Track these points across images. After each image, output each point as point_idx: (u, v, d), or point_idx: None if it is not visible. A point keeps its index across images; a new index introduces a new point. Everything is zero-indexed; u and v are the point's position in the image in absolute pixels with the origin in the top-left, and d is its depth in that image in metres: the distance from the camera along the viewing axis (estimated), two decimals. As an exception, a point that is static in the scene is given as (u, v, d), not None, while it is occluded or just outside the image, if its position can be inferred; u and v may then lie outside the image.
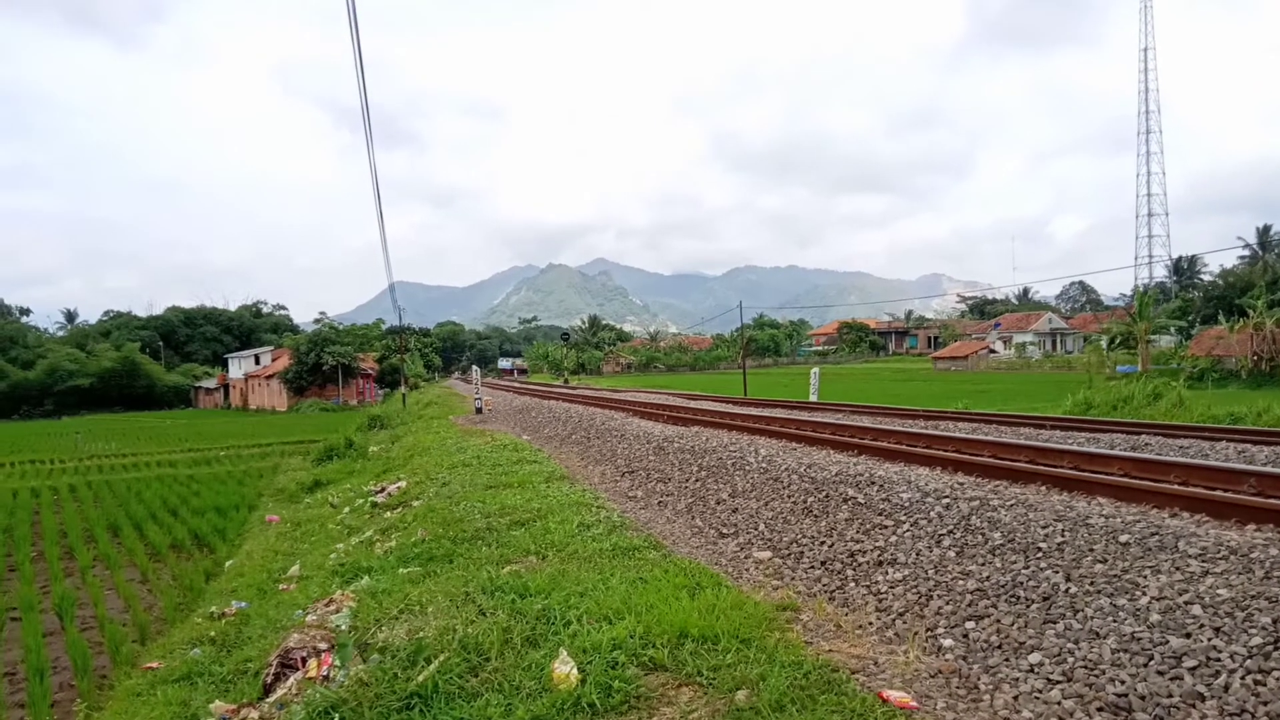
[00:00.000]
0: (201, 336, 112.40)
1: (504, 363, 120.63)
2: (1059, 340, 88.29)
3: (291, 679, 5.81)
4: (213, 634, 8.91)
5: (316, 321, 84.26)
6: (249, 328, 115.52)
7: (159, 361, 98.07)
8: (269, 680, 5.99)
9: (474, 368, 38.39)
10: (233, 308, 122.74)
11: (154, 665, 8.39)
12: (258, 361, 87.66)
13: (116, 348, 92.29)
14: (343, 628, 6.53)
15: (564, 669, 5.06)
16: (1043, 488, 7.59)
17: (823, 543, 7.64)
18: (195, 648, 8.46)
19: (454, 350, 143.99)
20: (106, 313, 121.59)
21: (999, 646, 5.08)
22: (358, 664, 5.68)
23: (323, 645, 6.13)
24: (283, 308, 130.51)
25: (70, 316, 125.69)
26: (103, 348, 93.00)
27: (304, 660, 5.96)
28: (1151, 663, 4.37)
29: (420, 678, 5.25)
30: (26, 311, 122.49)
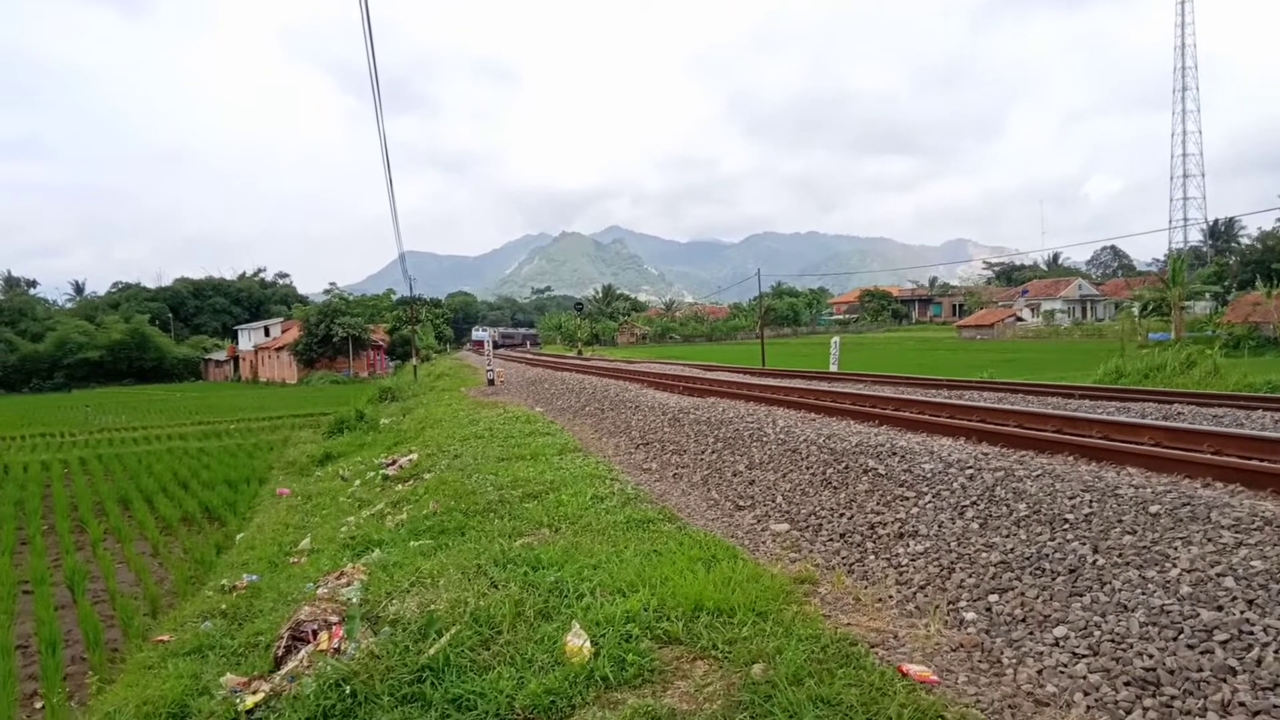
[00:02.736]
0: (211, 308, 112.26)
1: (479, 332, 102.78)
2: (1089, 307, 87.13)
3: (302, 652, 5.77)
4: (224, 607, 8.89)
5: (326, 292, 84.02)
6: (258, 299, 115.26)
7: (168, 333, 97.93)
8: (280, 653, 5.95)
9: (486, 338, 38.22)
10: (234, 277, 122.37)
11: (165, 638, 8.38)
12: (267, 333, 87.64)
13: (125, 320, 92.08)
14: (354, 601, 6.49)
15: (577, 642, 5.02)
16: (1070, 458, 7.44)
17: (842, 515, 7.56)
18: (206, 621, 8.44)
19: (466, 321, 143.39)
20: (115, 284, 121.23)
21: (1023, 620, 5.01)
22: (368, 637, 5.63)
23: (334, 618, 6.08)
24: (285, 275, 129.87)
25: (78, 288, 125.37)
26: (111, 320, 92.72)
27: (315, 633, 5.92)
28: (1181, 636, 4.29)
29: (431, 650, 5.20)
30: (34, 284, 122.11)
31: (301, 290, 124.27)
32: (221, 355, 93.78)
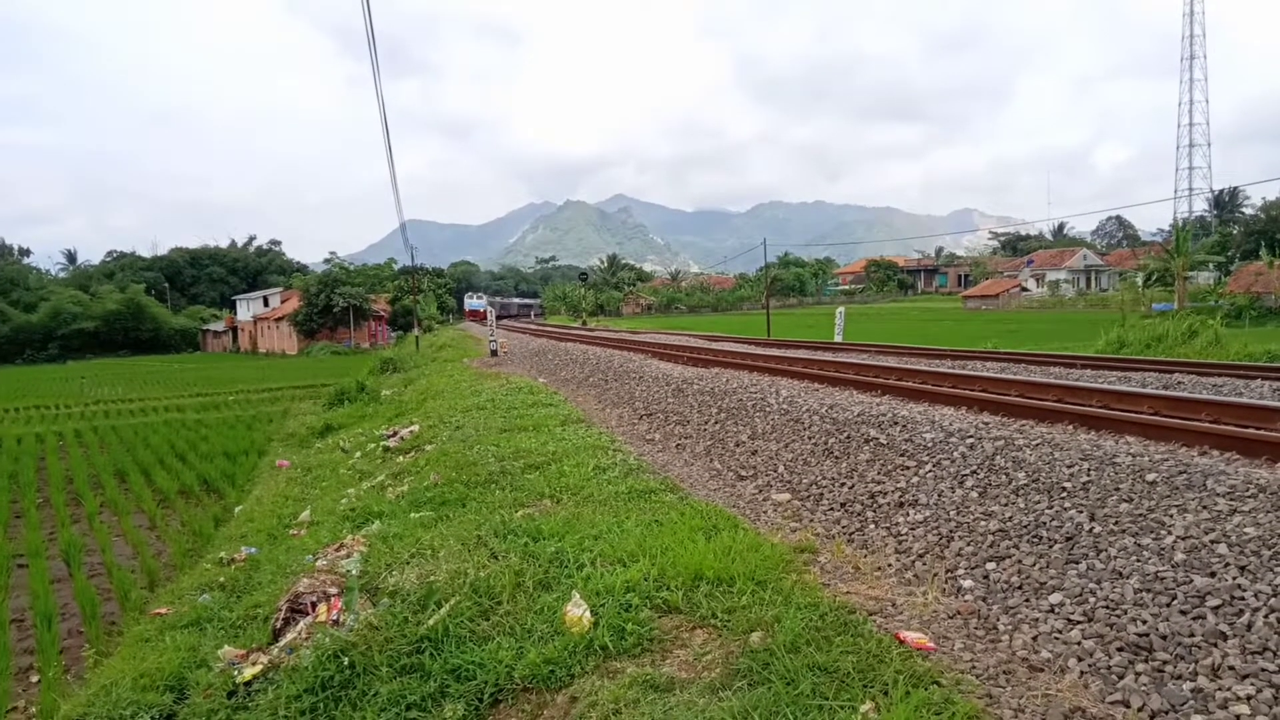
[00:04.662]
0: (208, 278, 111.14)
1: (472, 301, 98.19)
2: (1094, 277, 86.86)
3: (301, 623, 5.80)
4: (222, 580, 8.90)
5: (327, 261, 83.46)
6: (255, 269, 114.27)
7: (165, 303, 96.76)
8: (278, 625, 5.99)
9: (489, 309, 37.94)
10: (227, 245, 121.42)
11: (163, 611, 8.36)
12: (266, 303, 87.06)
13: (120, 289, 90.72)
14: (353, 572, 6.52)
15: (577, 612, 5.04)
16: (1070, 427, 7.45)
17: (843, 484, 7.58)
18: (204, 593, 8.46)
19: (470, 291, 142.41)
20: (110, 253, 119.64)
21: (1019, 587, 5.03)
22: (367, 608, 5.66)
23: (333, 590, 6.11)
24: (277, 243, 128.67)
25: (71, 257, 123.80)
26: (106, 290, 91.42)
27: (314, 605, 5.95)
28: (1174, 602, 4.31)
29: (431, 621, 5.23)
30: (27, 252, 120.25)
31: (301, 259, 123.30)
32: (219, 326, 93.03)
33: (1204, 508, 4.99)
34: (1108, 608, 4.49)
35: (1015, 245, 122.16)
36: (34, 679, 8.68)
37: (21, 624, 10.32)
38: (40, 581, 11.21)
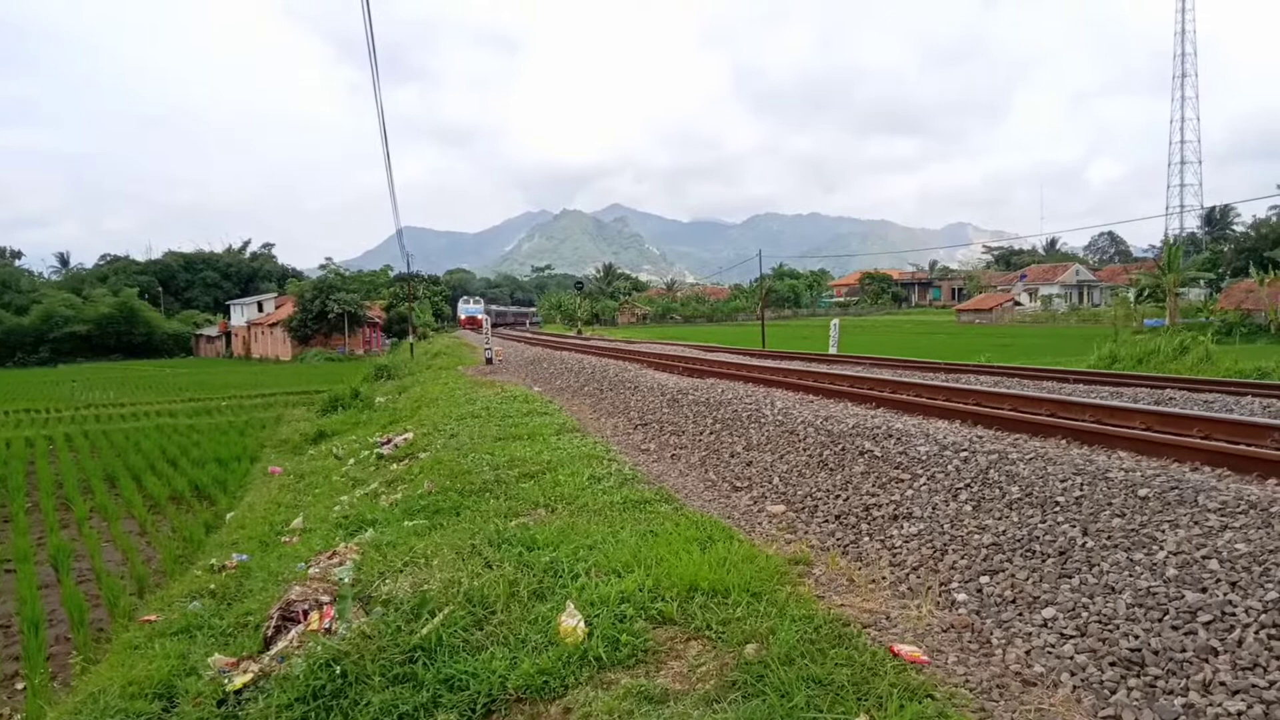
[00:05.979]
0: (202, 282, 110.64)
1: (467, 306, 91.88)
2: (1086, 292, 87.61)
3: (293, 632, 5.77)
4: (213, 587, 8.84)
5: (322, 267, 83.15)
6: (248, 273, 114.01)
7: (158, 308, 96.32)
8: (270, 633, 5.95)
9: (485, 316, 37.86)
10: (221, 250, 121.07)
11: (152, 618, 8.28)
12: (261, 309, 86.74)
13: (114, 293, 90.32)
14: (346, 580, 6.49)
15: (571, 622, 5.03)
16: (1063, 441, 7.49)
17: (838, 496, 7.57)
18: (195, 600, 8.38)
19: (464, 296, 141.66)
20: (103, 256, 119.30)
21: (1013, 601, 5.04)
22: (360, 617, 5.64)
23: (325, 598, 6.08)
24: (269, 245, 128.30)
25: (64, 260, 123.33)
26: (99, 293, 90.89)
27: (306, 613, 5.92)
28: (1166, 618, 4.32)
29: (424, 631, 5.23)
30: (19, 255, 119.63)
31: (297, 265, 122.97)
32: (213, 331, 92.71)
33: (1195, 523, 5.00)
34: (1100, 622, 4.50)
35: (1009, 260, 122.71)
36: (20, 686, 8.61)
37: (8, 630, 10.26)
38: (28, 587, 11.14)
